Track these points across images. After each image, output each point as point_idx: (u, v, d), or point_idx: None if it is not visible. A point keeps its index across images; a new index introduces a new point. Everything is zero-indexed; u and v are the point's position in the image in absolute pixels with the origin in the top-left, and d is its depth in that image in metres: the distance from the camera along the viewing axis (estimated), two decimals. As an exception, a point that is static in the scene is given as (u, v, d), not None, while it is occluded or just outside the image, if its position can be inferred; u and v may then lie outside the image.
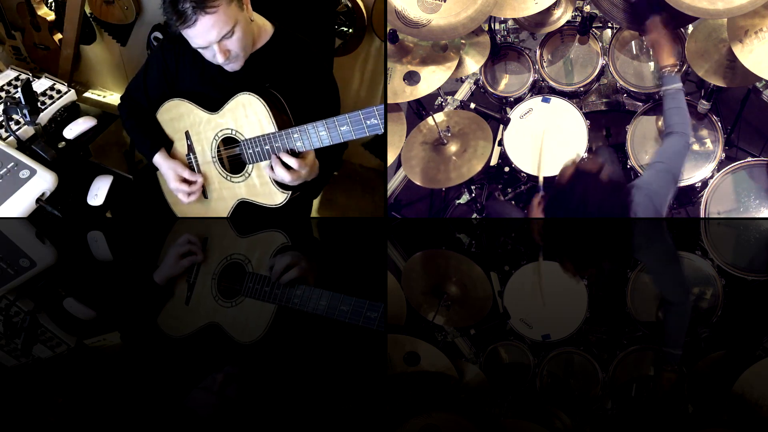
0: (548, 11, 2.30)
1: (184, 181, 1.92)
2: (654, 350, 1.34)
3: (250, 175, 1.85)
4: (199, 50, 1.74)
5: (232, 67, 1.77)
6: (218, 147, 1.89)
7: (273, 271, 1.68)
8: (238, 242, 1.94)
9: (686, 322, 1.46)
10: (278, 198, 1.82)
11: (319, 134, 1.67)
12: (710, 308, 1.52)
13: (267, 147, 1.76)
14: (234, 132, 1.83)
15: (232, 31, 1.67)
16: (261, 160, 1.80)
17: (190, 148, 1.94)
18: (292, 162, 1.72)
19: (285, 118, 1.78)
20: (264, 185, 1.83)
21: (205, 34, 1.66)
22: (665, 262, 1.88)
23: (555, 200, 1.83)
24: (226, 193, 1.92)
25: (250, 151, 1.80)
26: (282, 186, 1.81)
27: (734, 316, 1.48)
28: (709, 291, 1.60)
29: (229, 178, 1.90)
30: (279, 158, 1.73)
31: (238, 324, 1.41)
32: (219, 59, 1.72)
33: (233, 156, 1.88)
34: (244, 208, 1.91)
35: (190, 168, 1.95)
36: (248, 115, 1.78)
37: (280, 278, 1.63)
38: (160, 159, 1.95)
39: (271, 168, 1.76)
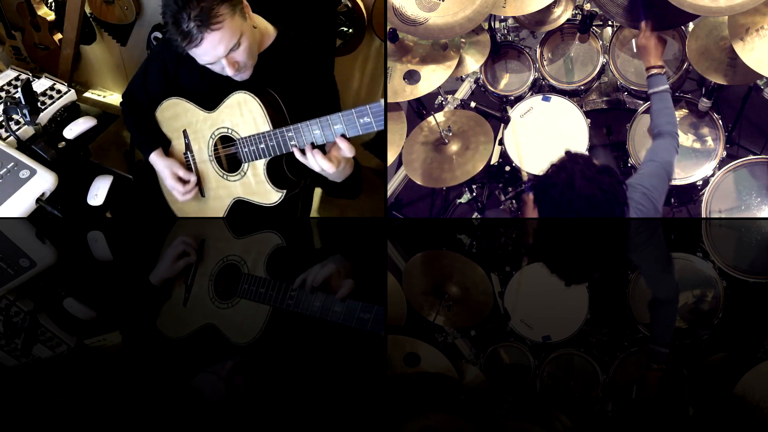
0: (548, 9, 2.29)
1: (180, 179, 1.92)
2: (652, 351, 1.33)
3: (245, 173, 1.85)
4: (207, 66, 1.72)
5: (241, 77, 1.76)
6: (215, 145, 1.89)
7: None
8: (233, 243, 1.94)
9: (674, 320, 1.46)
10: (273, 197, 1.82)
11: (312, 133, 1.66)
12: (711, 310, 1.51)
13: (262, 146, 1.75)
14: (230, 131, 1.82)
15: (238, 43, 1.65)
16: (256, 159, 1.79)
17: (188, 147, 1.94)
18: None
19: (280, 117, 1.77)
20: (259, 184, 1.83)
21: (212, 51, 1.64)
22: (658, 261, 1.88)
23: (540, 186, 1.76)
24: (223, 192, 1.92)
25: (246, 149, 1.80)
26: (277, 185, 1.80)
27: (735, 318, 1.47)
28: (710, 293, 1.60)
29: (225, 176, 1.90)
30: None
31: (234, 325, 1.41)
32: (228, 71, 1.70)
33: (230, 155, 1.88)
34: (241, 207, 1.90)
35: (187, 166, 1.95)
36: (244, 113, 1.77)
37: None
38: (155, 158, 1.95)
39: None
